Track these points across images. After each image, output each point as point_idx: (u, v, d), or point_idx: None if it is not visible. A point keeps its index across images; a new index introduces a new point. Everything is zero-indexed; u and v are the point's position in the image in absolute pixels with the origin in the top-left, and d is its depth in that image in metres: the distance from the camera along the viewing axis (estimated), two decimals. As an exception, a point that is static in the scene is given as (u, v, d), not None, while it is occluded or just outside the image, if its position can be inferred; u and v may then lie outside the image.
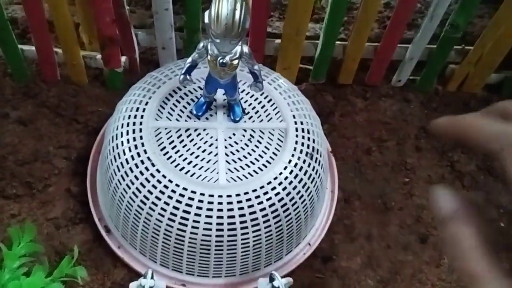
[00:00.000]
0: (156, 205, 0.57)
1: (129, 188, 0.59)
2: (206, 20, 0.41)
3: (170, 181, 0.57)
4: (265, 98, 0.66)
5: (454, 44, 0.81)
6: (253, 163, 0.60)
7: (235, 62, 0.44)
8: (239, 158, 0.61)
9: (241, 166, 0.60)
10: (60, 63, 0.81)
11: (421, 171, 0.79)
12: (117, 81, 0.81)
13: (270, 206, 0.58)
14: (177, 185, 0.57)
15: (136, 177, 0.58)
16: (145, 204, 0.58)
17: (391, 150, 0.81)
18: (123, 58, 0.79)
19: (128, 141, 0.60)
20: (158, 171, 0.58)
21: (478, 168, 0.81)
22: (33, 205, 0.71)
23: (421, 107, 0.88)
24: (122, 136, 0.61)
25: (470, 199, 0.75)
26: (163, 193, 0.57)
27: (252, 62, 0.47)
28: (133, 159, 0.59)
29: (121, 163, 0.60)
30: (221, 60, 0.43)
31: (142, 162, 0.59)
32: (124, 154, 0.60)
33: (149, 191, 0.58)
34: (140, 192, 0.58)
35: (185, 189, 0.57)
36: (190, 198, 0.57)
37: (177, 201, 0.57)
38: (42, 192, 0.72)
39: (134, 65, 0.82)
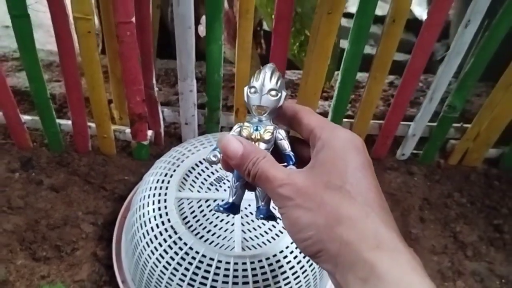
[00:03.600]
0: (177, 270, 0.62)
1: (153, 254, 0.64)
2: (246, 87, 0.40)
3: (190, 248, 0.63)
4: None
5: (452, 123, 0.88)
6: (267, 233, 0.66)
7: (270, 128, 0.41)
8: (253, 228, 0.66)
9: (255, 235, 0.66)
10: (92, 135, 0.90)
11: (425, 242, 0.84)
12: (143, 152, 0.88)
13: (282, 273, 0.62)
14: (197, 252, 0.62)
15: (160, 244, 0.64)
16: (167, 269, 0.63)
17: (396, 221, 0.86)
18: (150, 132, 0.87)
19: (153, 210, 0.67)
20: (180, 238, 0.64)
21: (480, 239, 0.85)
22: (61, 267, 0.76)
23: (424, 179, 0.93)
24: (148, 206, 0.67)
25: (474, 269, 0.80)
26: (184, 259, 0.62)
27: (286, 145, 0.42)
28: (157, 227, 0.65)
29: (147, 230, 0.66)
30: (255, 126, 0.41)
31: (166, 230, 0.64)
32: (150, 222, 0.66)
33: (171, 257, 0.63)
34: (163, 258, 0.63)
35: (204, 256, 0.62)
36: (208, 265, 0.62)
37: (197, 267, 0.62)
38: (70, 255, 0.78)
39: (159, 138, 0.90)
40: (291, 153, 0.43)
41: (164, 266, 0.63)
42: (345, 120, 0.88)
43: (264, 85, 0.39)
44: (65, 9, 0.68)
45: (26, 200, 0.84)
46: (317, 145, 0.36)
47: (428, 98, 0.83)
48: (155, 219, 0.66)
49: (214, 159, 0.42)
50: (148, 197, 0.68)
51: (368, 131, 0.90)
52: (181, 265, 0.62)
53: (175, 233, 0.64)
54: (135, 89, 0.77)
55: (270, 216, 0.43)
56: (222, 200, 0.53)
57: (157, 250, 0.64)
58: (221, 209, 0.47)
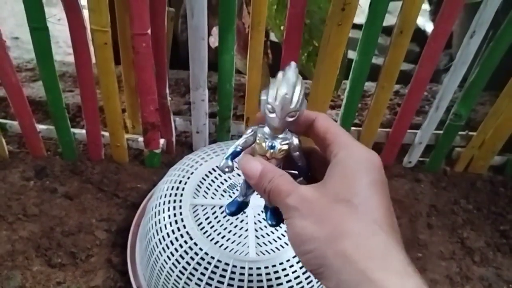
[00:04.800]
0: (193, 275, 0.64)
1: (169, 259, 0.66)
2: (263, 96, 0.38)
3: (206, 253, 0.64)
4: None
5: (458, 131, 0.90)
6: (280, 238, 0.67)
7: (284, 147, 0.40)
8: (267, 233, 0.68)
9: (269, 241, 0.67)
10: (104, 144, 0.92)
11: (433, 247, 0.85)
12: (155, 160, 0.90)
13: (295, 278, 0.64)
14: (212, 258, 0.64)
15: (176, 249, 0.65)
16: (183, 274, 0.64)
17: (404, 227, 0.88)
18: (162, 141, 0.89)
19: (169, 216, 0.68)
20: (195, 244, 0.65)
21: (487, 245, 0.87)
22: (76, 273, 0.78)
23: (431, 186, 0.95)
24: (164, 212, 0.69)
25: (481, 275, 0.80)
26: (199, 264, 0.64)
27: (300, 155, 0.41)
28: (173, 233, 0.66)
29: (163, 236, 0.67)
30: (270, 143, 0.39)
31: (182, 236, 0.66)
32: (166, 228, 0.67)
33: (187, 262, 0.64)
34: (179, 263, 0.65)
35: (219, 261, 0.64)
36: (223, 270, 0.63)
37: (212, 272, 0.63)
38: (85, 261, 0.79)
39: (170, 147, 0.92)
40: (304, 164, 0.42)
41: (180, 271, 0.65)
42: (352, 128, 0.90)
43: (284, 108, 0.36)
44: (83, 22, 0.71)
45: (41, 207, 0.86)
46: (332, 163, 0.35)
47: (435, 106, 0.85)
48: (171, 225, 0.67)
49: (227, 169, 0.42)
50: (163, 204, 0.70)
51: (375, 139, 0.92)
52: (197, 270, 0.64)
53: (191, 238, 0.66)
54: (149, 99, 0.79)
55: (279, 220, 0.41)
56: (229, 202, 0.54)
57: (173, 255, 0.65)
58: (230, 211, 0.48)
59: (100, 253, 0.81)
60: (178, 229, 0.67)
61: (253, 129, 0.41)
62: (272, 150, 0.39)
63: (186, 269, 0.64)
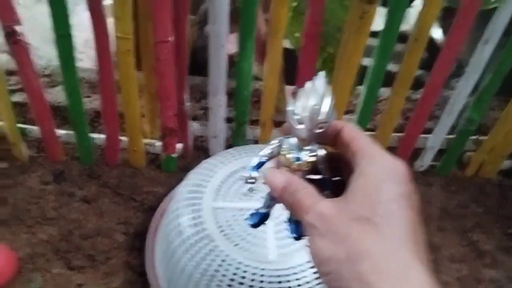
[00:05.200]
0: (214, 277, 0.65)
1: (190, 261, 0.67)
2: (290, 107, 0.36)
3: (227, 255, 0.66)
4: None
5: (470, 135, 0.92)
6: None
7: (311, 159, 0.38)
8: (287, 236, 0.69)
9: (288, 243, 0.69)
10: (121, 148, 0.93)
11: (445, 250, 0.87)
12: (171, 165, 0.92)
13: (315, 279, 0.65)
14: (233, 260, 0.65)
15: (197, 251, 0.67)
16: (204, 276, 0.66)
17: (416, 230, 0.89)
18: (179, 145, 0.90)
19: (190, 219, 0.70)
20: (217, 246, 0.67)
21: (496, 248, 0.88)
22: (96, 276, 0.79)
23: (441, 190, 0.97)
24: (184, 215, 0.70)
25: (491, 277, 0.82)
26: (220, 265, 0.65)
27: (326, 167, 0.40)
28: (194, 236, 0.68)
29: (183, 239, 0.69)
30: (296, 155, 0.38)
31: (203, 238, 0.68)
32: (187, 231, 0.69)
33: (208, 264, 0.66)
34: (200, 265, 0.66)
35: (240, 263, 0.65)
36: (244, 271, 0.65)
37: (234, 273, 0.65)
38: (104, 264, 0.81)
39: (187, 151, 0.93)
40: (330, 177, 0.40)
41: (201, 273, 0.66)
42: (366, 133, 0.92)
43: (312, 120, 0.35)
44: (107, 30, 0.73)
45: (60, 211, 0.87)
46: (355, 174, 0.34)
47: (447, 111, 0.87)
48: (192, 228, 0.69)
49: (251, 180, 0.40)
50: (184, 207, 0.71)
51: (388, 144, 0.93)
52: (218, 271, 0.65)
53: (212, 241, 0.67)
54: (168, 105, 0.81)
55: (302, 234, 0.38)
56: (251, 213, 0.53)
57: (194, 257, 0.67)
58: (253, 222, 0.44)
59: (119, 255, 0.82)
60: (199, 232, 0.68)
61: (279, 140, 0.39)
62: (298, 162, 0.38)
63: (207, 271, 0.66)
